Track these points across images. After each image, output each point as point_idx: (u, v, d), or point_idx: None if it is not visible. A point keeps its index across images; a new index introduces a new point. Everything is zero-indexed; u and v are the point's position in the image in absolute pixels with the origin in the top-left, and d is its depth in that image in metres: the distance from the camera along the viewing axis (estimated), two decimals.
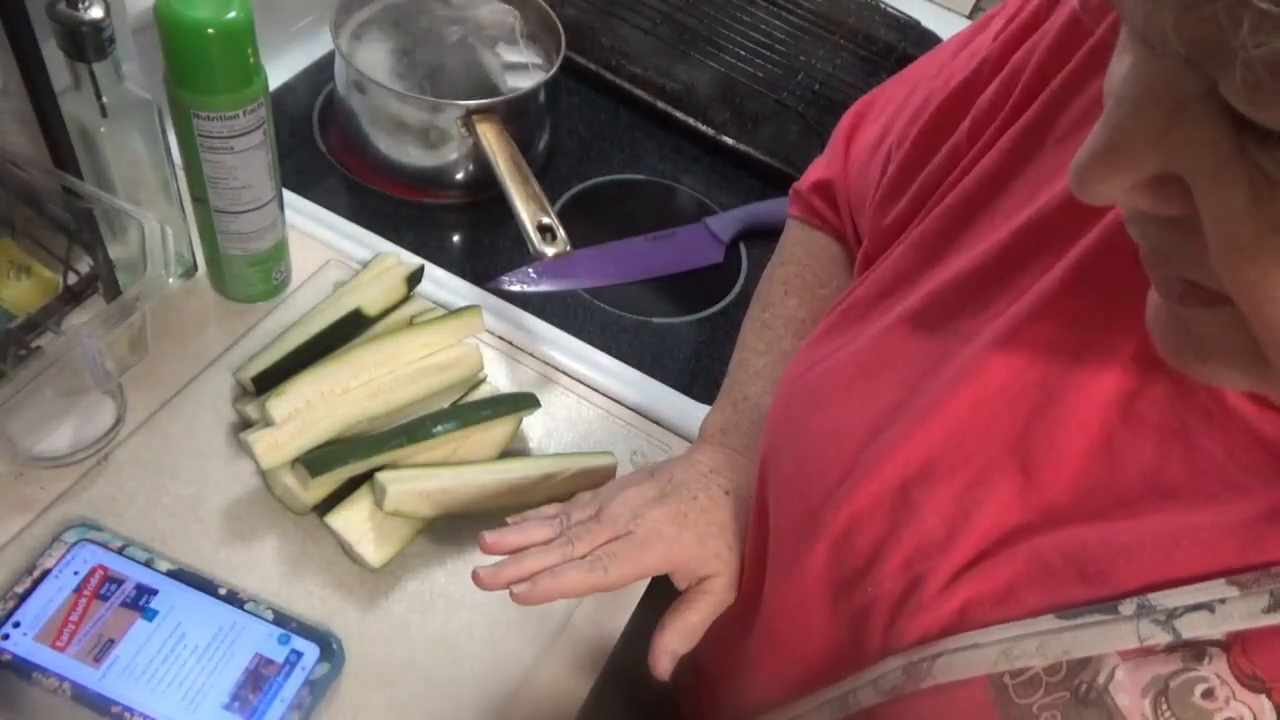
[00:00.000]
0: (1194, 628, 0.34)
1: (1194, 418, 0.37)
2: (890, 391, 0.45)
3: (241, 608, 0.57)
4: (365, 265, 0.76)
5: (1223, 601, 0.34)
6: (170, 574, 0.58)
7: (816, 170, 0.66)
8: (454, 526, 0.64)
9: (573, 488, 0.66)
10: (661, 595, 0.57)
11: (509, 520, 0.53)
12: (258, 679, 0.55)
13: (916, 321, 0.46)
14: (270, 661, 0.56)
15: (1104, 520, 0.38)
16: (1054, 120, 0.43)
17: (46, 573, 0.56)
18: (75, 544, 0.57)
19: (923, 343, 0.45)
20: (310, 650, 0.57)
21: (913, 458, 0.43)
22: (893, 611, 0.43)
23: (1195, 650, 0.34)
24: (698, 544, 0.52)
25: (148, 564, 0.58)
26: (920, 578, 0.42)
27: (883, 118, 0.60)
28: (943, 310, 0.45)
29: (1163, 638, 0.34)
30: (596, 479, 0.67)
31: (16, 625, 0.54)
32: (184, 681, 0.54)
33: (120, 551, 0.58)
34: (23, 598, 0.55)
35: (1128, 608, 0.36)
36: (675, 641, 0.52)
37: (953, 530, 0.42)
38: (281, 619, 0.57)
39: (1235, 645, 0.34)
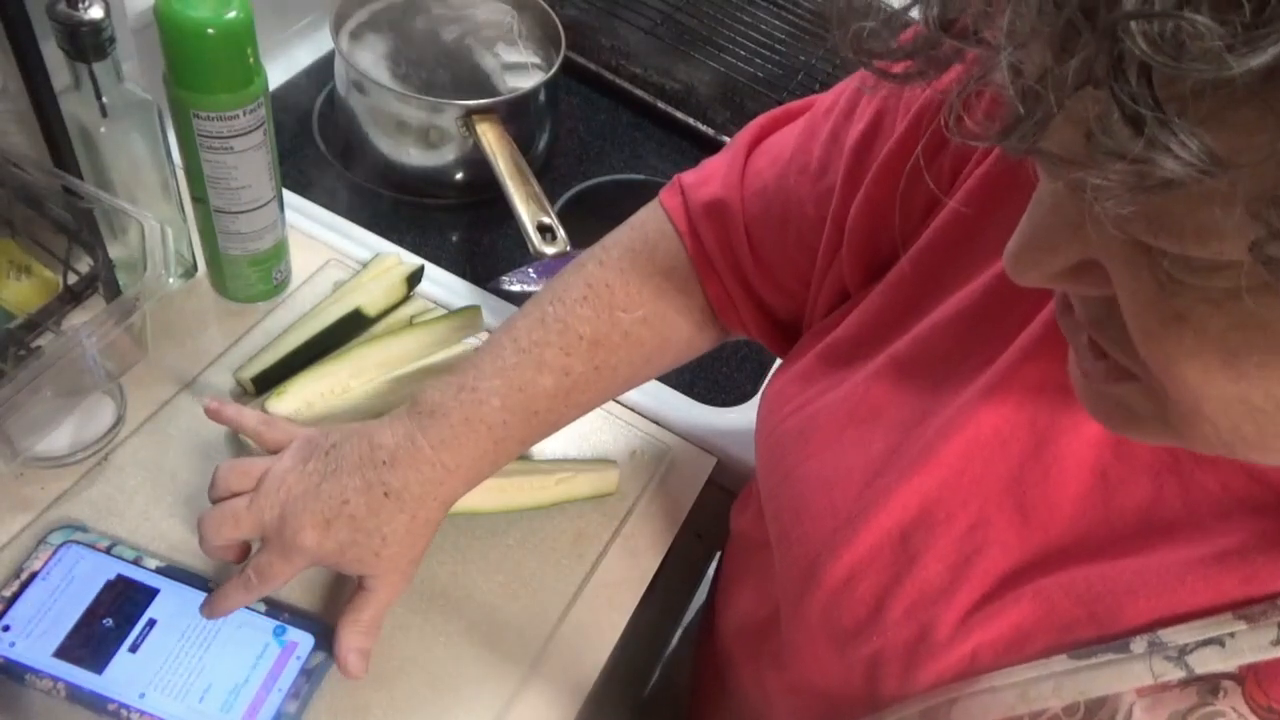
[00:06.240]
0: (1206, 663, 0.34)
1: (1185, 452, 0.37)
2: (882, 438, 0.45)
3: None
4: (365, 265, 0.76)
5: (1232, 635, 0.34)
6: (160, 571, 0.57)
7: (713, 181, 0.57)
8: (455, 529, 0.64)
9: (572, 494, 0.66)
10: (662, 595, 0.57)
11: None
12: (253, 669, 0.55)
13: (904, 367, 0.46)
14: (265, 651, 0.56)
15: (1106, 558, 0.39)
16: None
17: (34, 575, 0.56)
18: (61, 545, 0.57)
19: (912, 389, 0.45)
20: (305, 639, 0.57)
21: (909, 505, 0.43)
22: (904, 659, 0.43)
23: (1210, 685, 0.35)
24: (338, 552, 0.53)
25: (136, 562, 0.58)
26: (927, 625, 0.42)
27: (790, 141, 0.55)
28: (930, 356, 0.45)
29: (1176, 674, 0.35)
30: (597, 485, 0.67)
31: (7, 629, 0.54)
32: (178, 676, 0.54)
33: (108, 551, 0.58)
34: (10, 601, 0.55)
35: (1139, 645, 0.36)
36: (356, 640, 0.55)
37: (956, 576, 0.42)
38: (275, 609, 0.58)
39: (1249, 678, 0.34)
